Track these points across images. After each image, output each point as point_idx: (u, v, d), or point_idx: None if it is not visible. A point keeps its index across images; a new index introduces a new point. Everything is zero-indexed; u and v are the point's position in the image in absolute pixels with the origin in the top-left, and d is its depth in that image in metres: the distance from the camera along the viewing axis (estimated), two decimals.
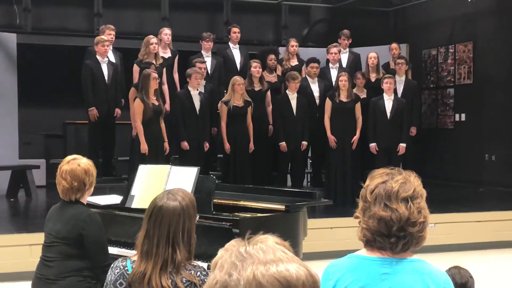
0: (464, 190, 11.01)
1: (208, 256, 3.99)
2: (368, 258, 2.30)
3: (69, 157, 4.01)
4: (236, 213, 4.59)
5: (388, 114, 9.16)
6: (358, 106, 9.17)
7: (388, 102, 9.17)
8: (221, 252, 1.43)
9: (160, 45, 9.38)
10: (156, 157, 7.95)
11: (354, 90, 9.41)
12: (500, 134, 11.05)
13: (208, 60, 9.71)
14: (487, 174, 11.28)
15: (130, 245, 4.28)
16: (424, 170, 10.88)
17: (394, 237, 2.24)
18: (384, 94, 9.18)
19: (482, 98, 11.46)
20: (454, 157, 11.84)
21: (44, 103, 11.74)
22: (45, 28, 11.65)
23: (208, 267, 3.68)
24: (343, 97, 9.10)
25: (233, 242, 1.44)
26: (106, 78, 9.21)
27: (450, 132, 12.12)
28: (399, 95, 9.64)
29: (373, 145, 9.18)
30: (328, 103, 9.17)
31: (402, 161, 9.34)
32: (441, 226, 7.89)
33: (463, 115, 11.90)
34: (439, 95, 12.44)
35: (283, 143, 9.20)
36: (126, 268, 2.80)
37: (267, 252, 1.39)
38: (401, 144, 9.19)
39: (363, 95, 9.58)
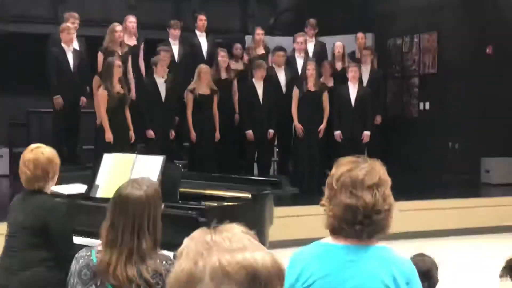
0: (428, 177, 11.13)
1: (174, 246, 3.94)
2: (334, 245, 2.32)
3: (32, 146, 3.95)
4: (202, 202, 4.57)
5: (353, 103, 9.22)
6: (325, 95, 9.21)
7: (353, 91, 9.23)
8: (187, 241, 1.43)
9: (125, 33, 9.28)
10: (122, 145, 7.87)
11: (321, 79, 9.45)
12: (463, 123, 11.19)
13: (175, 48, 9.64)
14: (451, 162, 11.42)
15: (94, 235, 4.23)
16: (389, 158, 10.95)
17: (359, 224, 2.26)
18: (349, 83, 9.24)
19: (446, 87, 11.58)
20: (418, 145, 11.96)
21: (7, 91, 11.52)
22: (7, 15, 11.44)
23: (174, 256, 3.67)
24: (311, 86, 9.13)
25: (199, 231, 1.44)
26: (71, 66, 9.09)
27: (415, 120, 12.24)
28: (365, 84, 9.71)
29: (337, 133, 9.23)
30: (295, 92, 9.19)
31: (367, 149, 9.40)
32: (405, 214, 7.96)
33: (427, 104, 12.02)
34: (404, 84, 12.55)
35: (250, 132, 9.21)
36: (90, 258, 2.77)
37: (233, 240, 1.39)
38: (365, 132, 9.25)
39: (330, 84, 9.62)
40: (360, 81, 9.46)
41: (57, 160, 3.91)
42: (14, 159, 9.57)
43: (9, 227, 3.90)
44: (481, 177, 10.61)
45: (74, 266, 2.80)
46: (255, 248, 1.38)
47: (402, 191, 8.47)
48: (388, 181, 2.33)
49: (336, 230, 2.32)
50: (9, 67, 11.42)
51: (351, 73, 9.19)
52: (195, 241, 1.41)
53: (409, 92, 12.43)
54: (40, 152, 3.85)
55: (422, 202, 8.67)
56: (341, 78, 9.72)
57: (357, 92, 9.21)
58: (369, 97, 9.33)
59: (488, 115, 10.81)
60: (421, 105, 12.14)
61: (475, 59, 11.07)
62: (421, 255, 3.60)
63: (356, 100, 9.21)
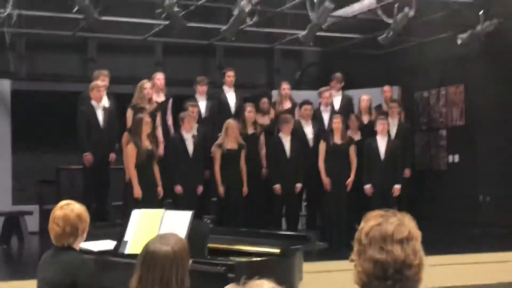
0: (459, 231, 10.96)
1: None
2: None
3: (62, 202, 3.98)
4: (230, 257, 4.54)
5: (382, 156, 9.17)
6: (352, 148, 9.20)
7: (382, 144, 9.20)
8: None
9: (153, 89, 9.41)
10: (150, 201, 7.90)
11: (348, 133, 9.45)
12: (494, 175, 11.06)
13: (203, 103, 9.74)
14: (482, 215, 11.25)
15: None
16: (419, 212, 10.84)
17: (390, 280, 2.22)
18: (378, 136, 9.21)
19: (474, 139, 11.51)
20: (448, 198, 11.82)
21: (37, 148, 11.73)
22: (39, 74, 11.72)
23: None
24: (337, 139, 9.13)
25: (229, 287, 1.43)
26: (101, 123, 9.22)
27: (444, 173, 12.13)
28: (392, 137, 9.67)
29: (368, 187, 9.16)
30: (322, 145, 9.19)
31: (397, 203, 9.32)
32: (436, 268, 7.82)
33: (456, 156, 11.92)
34: (432, 136, 12.49)
35: (278, 186, 9.19)
36: None
37: None
38: (395, 186, 9.17)
39: (357, 137, 9.61)
40: (388, 134, 9.43)
41: (86, 216, 3.93)
42: (44, 216, 9.65)
43: (39, 284, 3.91)
44: None
45: None
46: None
47: (433, 245, 8.35)
48: (419, 235, 2.30)
49: (366, 286, 2.28)
50: (39, 125, 11.62)
51: (380, 126, 9.18)
52: None
53: (437, 145, 12.36)
54: (70, 209, 3.88)
55: (454, 256, 8.51)
56: (368, 131, 9.71)
57: (387, 145, 9.19)
58: (398, 150, 9.28)
59: None
60: (450, 158, 12.04)
61: (502, 110, 11.01)
62: None
63: (385, 153, 9.17)
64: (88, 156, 9.05)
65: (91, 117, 9.14)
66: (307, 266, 5.44)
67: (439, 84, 12.33)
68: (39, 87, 11.57)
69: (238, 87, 10.41)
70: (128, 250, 4.64)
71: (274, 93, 10.89)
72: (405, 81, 12.69)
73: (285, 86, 10.37)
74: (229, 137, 8.83)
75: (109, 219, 9.64)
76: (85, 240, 4.12)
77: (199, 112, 9.48)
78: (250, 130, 9.35)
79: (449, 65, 12.09)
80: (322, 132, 9.65)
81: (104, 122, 9.23)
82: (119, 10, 11.04)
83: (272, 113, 10.11)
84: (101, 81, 9.40)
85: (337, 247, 8.60)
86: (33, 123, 11.54)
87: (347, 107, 10.46)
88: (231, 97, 10.08)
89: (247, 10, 9.07)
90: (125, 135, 8.57)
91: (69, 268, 3.80)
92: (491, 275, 8.34)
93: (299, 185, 9.33)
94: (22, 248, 9.45)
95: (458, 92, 11.91)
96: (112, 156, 9.34)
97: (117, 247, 4.76)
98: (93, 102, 9.17)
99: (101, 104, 9.25)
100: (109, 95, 9.64)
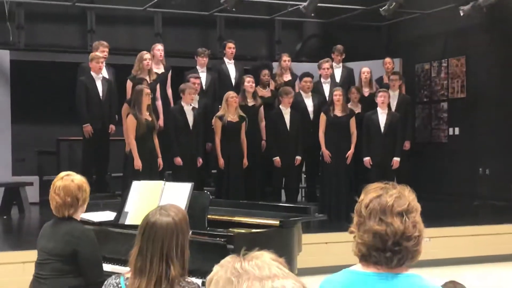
0: (458, 204, 11.00)
1: (202, 273, 3.96)
2: (364, 273, 2.29)
3: (62, 173, 4.00)
4: (230, 229, 4.56)
5: (382, 128, 9.16)
6: (352, 121, 9.18)
7: (382, 116, 9.18)
8: (216, 268, 1.42)
9: (153, 60, 9.38)
10: (150, 173, 7.92)
11: (349, 105, 9.43)
12: (494, 148, 11.07)
13: (203, 75, 9.72)
14: (481, 187, 11.28)
15: (123, 262, 4.25)
16: (418, 184, 10.87)
17: (389, 251, 2.23)
18: (378, 108, 9.19)
19: (475, 112, 11.49)
20: (448, 171, 11.84)
21: (37, 119, 11.71)
22: (38, 44, 11.65)
23: (203, 284, 3.65)
24: (338, 112, 9.11)
25: (228, 258, 1.43)
26: (100, 94, 9.21)
27: (444, 146, 12.14)
28: (393, 109, 9.65)
29: (367, 159, 9.17)
30: (322, 118, 9.17)
31: (396, 175, 9.33)
32: (436, 240, 7.87)
33: (456, 129, 11.92)
34: (433, 109, 12.48)
35: (277, 158, 9.20)
36: (120, 285, 2.77)
37: (262, 268, 1.37)
38: (395, 158, 9.18)
39: (357, 109, 9.59)
40: (388, 106, 9.41)
41: (87, 187, 3.94)
42: (44, 187, 9.68)
43: (39, 254, 3.93)
44: None
45: None
46: (285, 276, 1.37)
47: (432, 218, 8.40)
48: (418, 207, 2.30)
49: (365, 257, 2.29)
50: (39, 96, 11.60)
51: (380, 98, 9.15)
52: (225, 268, 1.40)
53: (437, 118, 12.35)
54: (70, 179, 3.90)
55: (453, 228, 8.56)
56: (368, 103, 9.69)
57: (387, 117, 9.16)
58: (398, 123, 9.27)
59: None
60: (451, 130, 12.04)
61: (504, 83, 10.98)
62: (453, 282, 3.54)
63: (385, 126, 9.15)
64: (87, 127, 9.06)
65: (90, 88, 9.12)
66: (306, 238, 5.47)
67: (441, 56, 12.28)
68: (38, 57, 11.52)
69: (238, 59, 10.37)
70: (128, 221, 4.66)
71: (275, 65, 10.84)
72: (406, 53, 12.63)
73: (286, 58, 10.33)
74: (230, 109, 8.81)
75: (109, 190, 9.67)
76: (85, 211, 4.14)
77: (200, 83, 9.45)
78: (250, 102, 9.33)
79: (451, 37, 12.03)
80: (322, 105, 9.62)
81: (103, 93, 9.22)
82: None
83: (272, 85, 10.08)
84: (101, 52, 9.38)
85: (336, 219, 8.65)
86: (33, 94, 11.51)
87: (347, 80, 10.43)
88: (231, 69, 10.05)
89: None
90: (125, 107, 8.56)
91: (70, 238, 3.82)
92: (490, 247, 8.39)
93: (298, 158, 9.34)
94: (23, 219, 9.49)
95: (459, 65, 11.87)
96: (112, 127, 9.35)
97: (117, 218, 4.78)
98: (93, 73, 9.15)
99: (101, 75, 9.23)
100: (108, 66, 9.62)
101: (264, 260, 1.40)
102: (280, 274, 1.37)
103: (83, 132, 9.12)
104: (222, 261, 1.43)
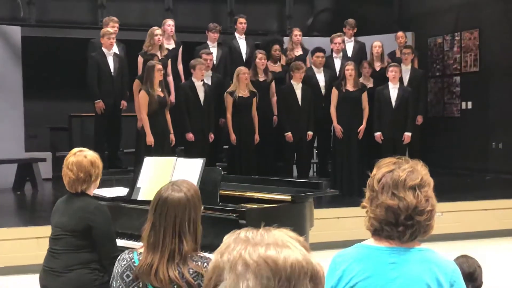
0: (470, 178, 10.97)
1: (214, 247, 3.97)
2: (376, 247, 2.29)
3: (75, 149, 4.01)
4: (242, 204, 4.58)
5: (393, 103, 9.11)
6: (364, 95, 9.13)
7: (393, 91, 9.12)
8: (225, 238, 1.42)
9: (164, 36, 9.35)
10: (162, 149, 7.94)
11: (361, 80, 9.38)
12: (507, 122, 11.00)
13: (214, 50, 9.67)
14: (494, 162, 11.24)
15: (136, 237, 4.28)
16: (431, 159, 10.86)
17: (401, 226, 2.23)
18: (389, 83, 9.13)
19: (488, 86, 11.41)
20: (460, 146, 11.80)
21: (49, 96, 11.75)
22: (49, 20, 11.64)
23: None
24: (350, 87, 9.06)
25: (240, 230, 1.43)
26: (112, 70, 9.20)
27: (457, 120, 12.08)
28: (405, 84, 9.58)
29: (378, 134, 9.14)
30: (334, 93, 9.13)
31: (408, 150, 9.31)
32: (448, 215, 7.87)
33: (469, 103, 11.85)
34: (445, 83, 12.40)
35: (289, 134, 9.18)
36: (133, 260, 2.79)
37: (265, 236, 1.36)
38: (406, 133, 9.14)
39: (369, 84, 9.54)
40: (401, 81, 9.35)
41: (99, 163, 3.96)
42: (57, 163, 9.74)
43: (53, 229, 3.96)
44: None
45: (117, 268, 2.82)
46: (289, 246, 1.35)
47: (445, 192, 8.39)
48: (431, 182, 2.30)
49: (377, 232, 2.29)
50: (50, 72, 11.61)
51: (392, 73, 9.08)
52: (231, 237, 1.40)
53: (450, 92, 12.27)
54: (83, 155, 3.91)
55: (465, 203, 8.54)
56: (380, 78, 9.63)
57: (398, 92, 9.11)
58: (410, 97, 9.20)
59: None
60: (463, 105, 11.97)
61: None
62: (465, 256, 3.55)
63: (397, 100, 9.10)
64: (99, 103, 9.07)
65: (102, 64, 9.12)
66: (318, 213, 5.47)
67: (453, 30, 12.17)
68: (49, 33, 11.51)
69: (249, 33, 10.31)
70: (141, 196, 4.68)
71: (286, 40, 10.78)
72: (418, 26, 12.53)
73: (297, 32, 10.26)
74: (241, 85, 8.78)
75: (121, 166, 9.71)
76: (98, 187, 4.16)
77: (212, 59, 9.41)
78: (261, 78, 9.29)
79: (464, 10, 11.91)
80: (334, 79, 9.58)
81: (115, 69, 9.22)
82: None
83: (283, 60, 10.04)
84: (111, 27, 9.35)
85: (348, 194, 8.65)
86: (44, 70, 11.53)
87: (359, 54, 10.35)
88: (242, 44, 10.01)
89: None
90: (136, 82, 8.55)
91: (83, 214, 3.84)
92: (503, 222, 8.37)
93: (310, 133, 9.32)
94: (36, 195, 9.57)
95: (472, 38, 11.76)
96: (124, 103, 9.35)
97: (129, 193, 4.80)
98: (104, 49, 9.14)
99: (112, 51, 9.22)
100: (119, 42, 9.60)
101: (271, 231, 1.39)
102: (282, 244, 1.34)
103: (95, 108, 9.13)
104: (232, 231, 1.43)
